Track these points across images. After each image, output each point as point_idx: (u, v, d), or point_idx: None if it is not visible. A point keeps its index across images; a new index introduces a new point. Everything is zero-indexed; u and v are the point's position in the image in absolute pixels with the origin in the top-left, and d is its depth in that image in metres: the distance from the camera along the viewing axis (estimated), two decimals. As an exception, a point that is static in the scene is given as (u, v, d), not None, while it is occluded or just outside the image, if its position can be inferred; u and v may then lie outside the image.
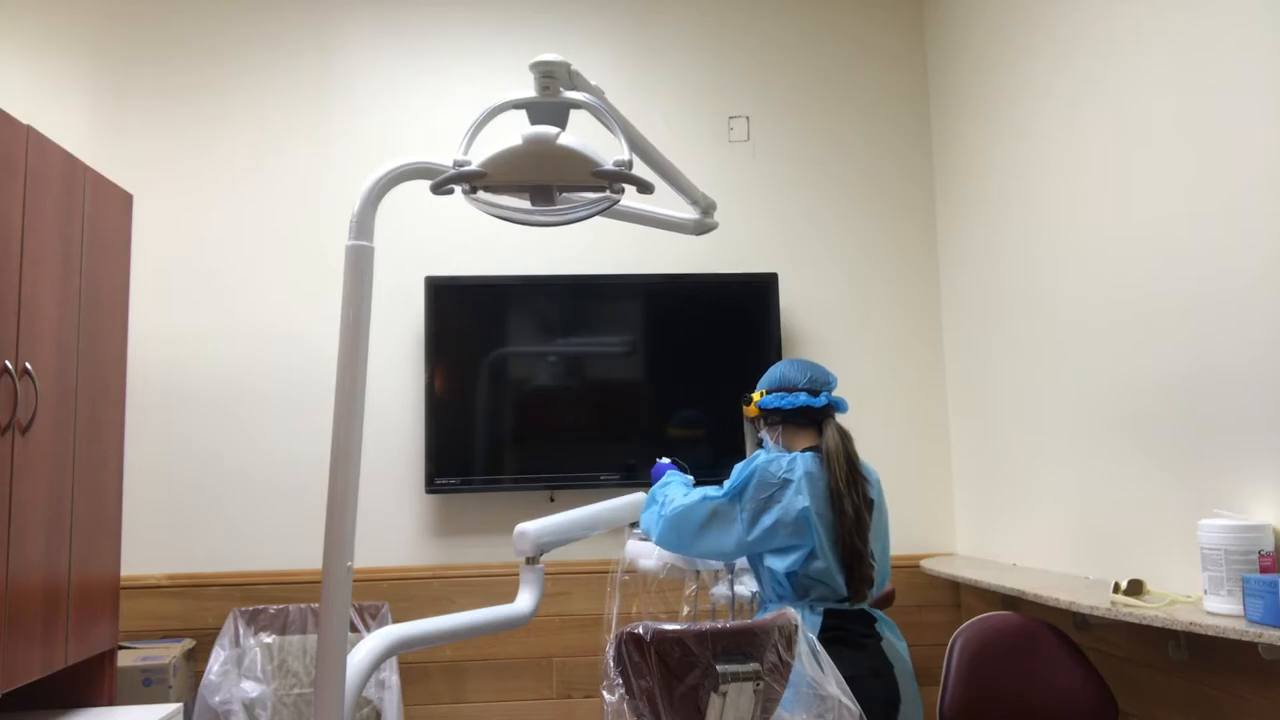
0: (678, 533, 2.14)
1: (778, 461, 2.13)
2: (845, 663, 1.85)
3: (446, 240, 3.44)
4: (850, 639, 2.07)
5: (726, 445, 3.39)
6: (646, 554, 2.37)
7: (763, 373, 2.36)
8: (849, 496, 2.11)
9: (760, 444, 2.38)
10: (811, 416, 2.24)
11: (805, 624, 1.90)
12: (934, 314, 3.62)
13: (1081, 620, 2.53)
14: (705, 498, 2.14)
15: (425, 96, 3.52)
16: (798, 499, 2.08)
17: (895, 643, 2.14)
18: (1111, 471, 2.55)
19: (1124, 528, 2.49)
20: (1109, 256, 2.55)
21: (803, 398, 2.22)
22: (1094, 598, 2.27)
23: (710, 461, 3.38)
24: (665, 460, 2.57)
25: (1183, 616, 1.98)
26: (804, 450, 2.19)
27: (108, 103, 3.41)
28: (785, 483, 2.10)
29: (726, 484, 2.14)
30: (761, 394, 2.30)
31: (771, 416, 2.29)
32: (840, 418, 2.31)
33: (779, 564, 2.10)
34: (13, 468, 2.05)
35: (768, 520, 2.08)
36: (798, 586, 2.10)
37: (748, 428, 2.47)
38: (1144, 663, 2.41)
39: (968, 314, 3.42)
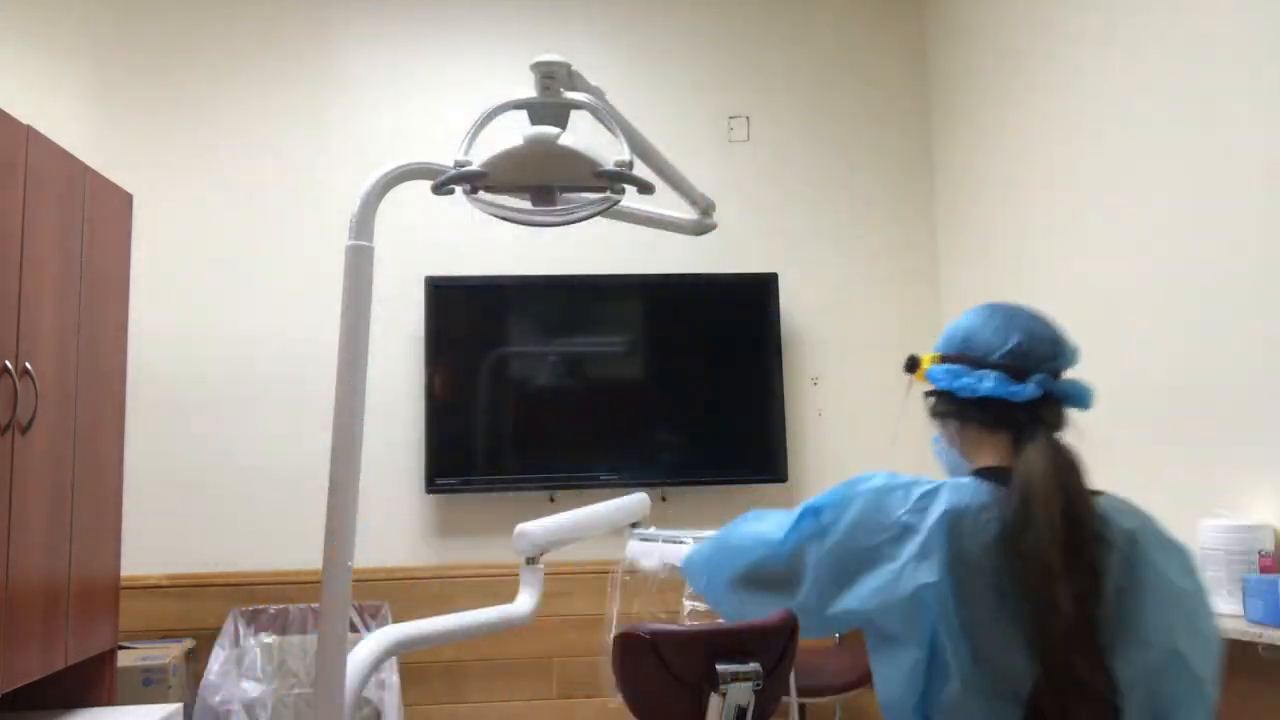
0: (707, 576, 1.37)
1: (902, 490, 1.18)
2: None
3: (446, 240, 3.44)
4: None
5: (734, 444, 3.39)
6: (647, 554, 2.37)
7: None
8: (1062, 574, 1.08)
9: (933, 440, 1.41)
10: (1007, 415, 1.22)
11: None
12: (934, 314, 3.61)
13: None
14: (766, 539, 1.27)
15: (425, 96, 3.52)
16: (918, 570, 1.11)
17: None
18: (1110, 471, 2.54)
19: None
20: (1108, 257, 2.55)
21: (991, 381, 1.23)
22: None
23: (721, 461, 3.37)
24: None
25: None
26: (978, 473, 1.22)
27: (108, 102, 3.41)
28: (903, 531, 1.14)
29: (801, 512, 1.23)
30: (934, 358, 1.33)
31: (940, 403, 1.32)
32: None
33: (877, 681, 1.17)
34: (13, 468, 2.05)
35: (852, 600, 1.15)
36: None
37: (927, 408, 1.36)
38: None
39: (968, 314, 3.42)
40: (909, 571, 1.12)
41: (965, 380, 1.26)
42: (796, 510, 1.24)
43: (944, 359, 1.31)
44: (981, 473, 1.22)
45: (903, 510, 1.16)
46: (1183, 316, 2.26)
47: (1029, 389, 1.22)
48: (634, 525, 2.43)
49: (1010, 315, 1.30)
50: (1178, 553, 1.19)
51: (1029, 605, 1.08)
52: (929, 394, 1.34)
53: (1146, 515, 1.25)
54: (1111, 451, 2.54)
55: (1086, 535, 1.13)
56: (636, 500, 2.43)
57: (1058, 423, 1.24)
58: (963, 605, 1.10)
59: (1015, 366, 1.24)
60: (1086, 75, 2.65)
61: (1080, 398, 1.27)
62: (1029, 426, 1.21)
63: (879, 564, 1.14)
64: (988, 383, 1.23)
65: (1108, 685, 1.06)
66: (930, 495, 1.17)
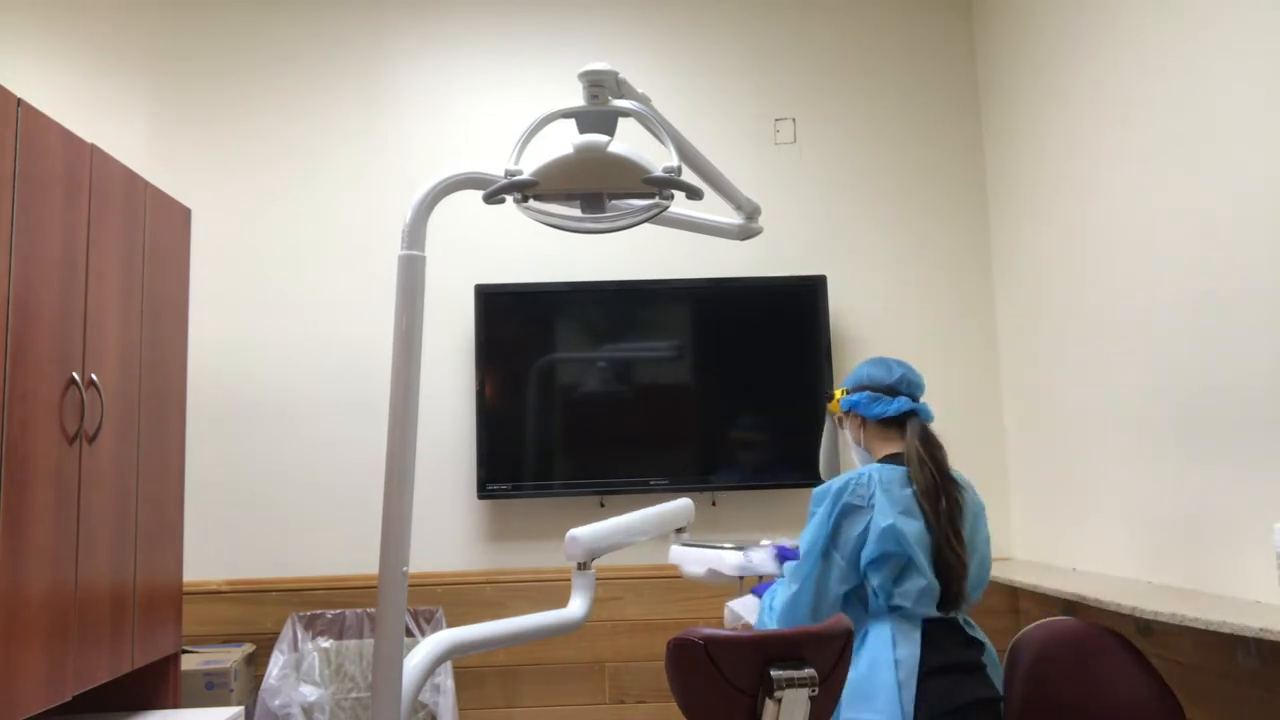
0: (794, 619, 2.02)
1: (855, 486, 2.02)
2: (957, 691, 1.95)
3: (495, 248, 3.47)
4: (959, 664, 2.02)
5: (784, 448, 3.37)
6: (693, 560, 2.36)
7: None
8: (937, 507, 2.00)
9: (826, 442, 2.39)
10: (894, 421, 2.15)
11: (902, 638, 1.95)
12: (989, 315, 3.56)
13: (1145, 626, 2.47)
14: (798, 574, 2.02)
15: (473, 107, 3.56)
16: (880, 519, 1.97)
17: (992, 652, 2.11)
18: (1178, 471, 2.48)
19: (1191, 530, 2.43)
20: (1173, 252, 2.49)
21: (883, 403, 2.14)
22: (1158, 602, 2.22)
23: (771, 465, 3.36)
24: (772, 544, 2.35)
25: (1253, 622, 1.92)
26: (885, 458, 2.12)
27: (166, 120, 3.50)
28: (871, 507, 1.99)
29: (810, 534, 2.02)
30: (844, 392, 2.23)
31: (850, 417, 2.22)
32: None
33: (875, 579, 1.98)
34: (80, 477, 2.11)
35: (872, 552, 1.96)
36: (893, 599, 1.99)
37: (828, 423, 2.41)
38: (1212, 670, 2.34)
39: (1024, 314, 3.36)
40: (877, 522, 1.97)
41: (866, 403, 2.18)
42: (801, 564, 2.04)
43: (851, 391, 2.22)
44: (887, 458, 2.12)
45: (867, 499, 2.00)
46: (1253, 311, 2.20)
47: (900, 405, 2.15)
48: (679, 530, 2.43)
49: (889, 363, 2.22)
50: (981, 506, 2.15)
51: (929, 510, 2.00)
52: (844, 413, 2.25)
53: (969, 482, 2.15)
54: (1177, 450, 2.48)
55: (948, 481, 2.05)
56: (685, 505, 2.44)
57: (917, 421, 2.13)
58: (909, 532, 1.96)
59: (893, 391, 2.17)
60: (1146, 71, 2.59)
61: (924, 412, 2.17)
62: (906, 425, 2.14)
63: (868, 530, 1.98)
64: (881, 404, 2.16)
65: (962, 557, 2.00)
66: (869, 481, 2.02)
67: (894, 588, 1.98)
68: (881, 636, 1.97)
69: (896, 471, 2.04)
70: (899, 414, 2.13)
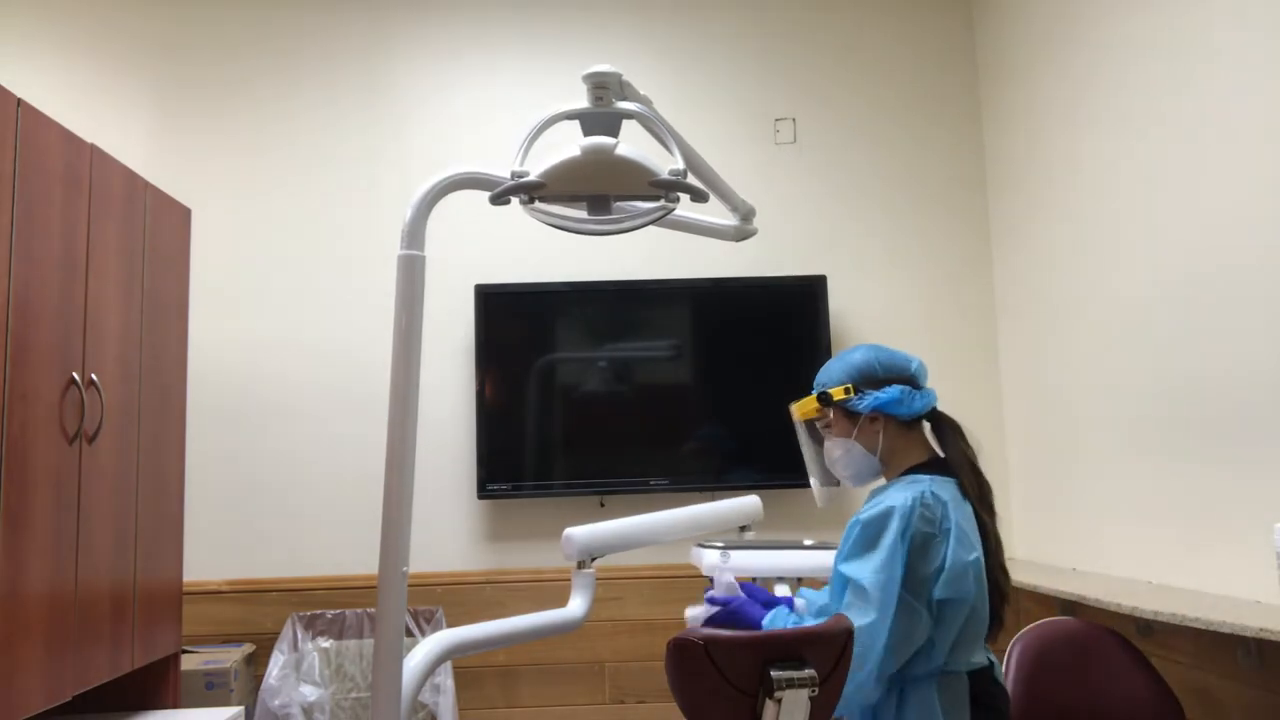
0: (866, 694, 1.58)
1: (924, 508, 1.59)
2: None
3: (495, 248, 3.47)
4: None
5: (784, 448, 3.37)
6: (693, 556, 2.33)
7: (814, 375, 1.86)
8: (992, 526, 1.66)
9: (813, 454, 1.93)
10: (916, 421, 1.74)
11: (951, 706, 1.60)
12: (989, 315, 3.56)
13: (1145, 626, 2.47)
14: (877, 636, 1.54)
15: (473, 107, 3.56)
16: (963, 550, 1.58)
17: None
18: (1178, 472, 2.49)
19: (1191, 530, 2.43)
20: (1172, 253, 2.49)
21: (912, 398, 1.71)
22: (1158, 602, 2.22)
23: (771, 465, 3.35)
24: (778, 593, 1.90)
25: (1253, 622, 1.93)
26: (917, 468, 1.70)
27: (166, 120, 3.50)
28: (945, 534, 1.58)
29: (878, 566, 1.56)
30: (846, 390, 1.75)
31: (871, 420, 1.74)
32: None
33: (936, 629, 1.58)
34: (80, 477, 2.11)
35: (943, 593, 1.56)
36: (950, 655, 1.62)
37: (803, 437, 1.97)
38: (1212, 670, 2.34)
39: (1024, 314, 3.36)
40: (960, 554, 1.58)
41: (896, 397, 1.71)
42: (876, 598, 1.56)
43: (860, 387, 1.75)
44: (918, 469, 1.70)
45: (937, 522, 1.59)
46: (1253, 312, 2.20)
47: (933, 396, 1.74)
48: (743, 529, 2.32)
49: (890, 349, 1.78)
50: None
51: (988, 529, 1.66)
52: (850, 414, 1.75)
53: None
54: (1178, 450, 2.48)
55: (987, 490, 1.71)
56: (686, 516, 2.25)
57: (955, 423, 1.75)
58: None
59: (918, 382, 1.75)
60: (1145, 73, 2.60)
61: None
62: (935, 422, 1.75)
63: (942, 564, 1.58)
64: (920, 397, 1.72)
65: (1009, 582, 1.70)
66: (936, 501, 1.60)
67: (957, 639, 1.61)
68: (927, 707, 1.60)
69: (950, 485, 1.66)
70: (926, 410, 1.73)
